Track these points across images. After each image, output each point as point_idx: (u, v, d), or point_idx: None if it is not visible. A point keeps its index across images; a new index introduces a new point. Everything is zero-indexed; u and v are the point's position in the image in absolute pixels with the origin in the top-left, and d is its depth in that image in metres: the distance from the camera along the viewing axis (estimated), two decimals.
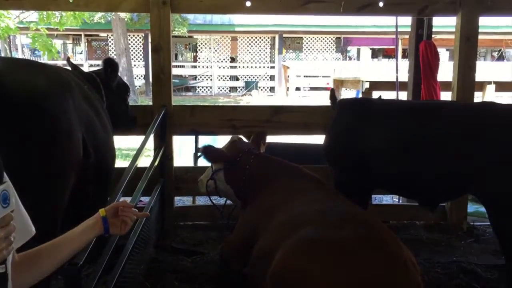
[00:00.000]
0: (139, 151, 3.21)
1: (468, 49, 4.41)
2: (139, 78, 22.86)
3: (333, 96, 4.06)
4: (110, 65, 3.63)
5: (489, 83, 9.13)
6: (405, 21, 5.42)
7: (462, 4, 4.36)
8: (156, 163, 3.88)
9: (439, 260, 3.83)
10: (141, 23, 19.40)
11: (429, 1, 4.41)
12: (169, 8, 4.24)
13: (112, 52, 21.72)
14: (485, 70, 11.97)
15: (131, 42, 23.39)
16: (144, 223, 3.33)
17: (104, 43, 26.00)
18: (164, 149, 4.17)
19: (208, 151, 3.46)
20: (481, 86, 9.08)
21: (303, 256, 2.23)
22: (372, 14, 4.73)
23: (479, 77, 4.77)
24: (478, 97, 8.84)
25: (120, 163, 7.10)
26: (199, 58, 25.61)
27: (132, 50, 23.20)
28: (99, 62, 3.91)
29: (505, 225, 3.12)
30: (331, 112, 4.03)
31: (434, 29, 5.16)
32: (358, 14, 4.63)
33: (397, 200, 5.55)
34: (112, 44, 22.08)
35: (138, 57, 23.95)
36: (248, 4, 4.27)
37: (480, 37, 4.50)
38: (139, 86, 22.32)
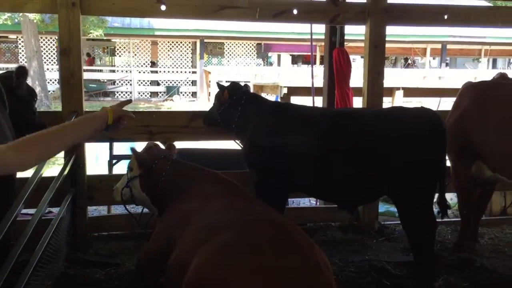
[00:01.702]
0: None
1: (376, 56, 4.64)
2: (53, 82, 21.71)
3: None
4: (22, 74, 3.47)
5: (398, 89, 9.65)
6: (321, 29, 5.60)
7: (371, 14, 4.57)
8: (66, 171, 3.69)
9: (352, 260, 3.97)
10: (54, 25, 18.44)
11: (340, 10, 4.59)
12: (78, 9, 4.05)
13: (23, 55, 20.49)
14: (394, 76, 12.64)
15: (43, 44, 22.18)
16: (52, 235, 3.14)
17: (13, 45, 24.46)
18: (75, 156, 3.97)
19: (138, 154, 3.36)
20: (391, 91, 9.59)
21: (218, 263, 2.21)
22: (287, 21, 4.85)
23: (388, 83, 5.02)
24: (388, 102, 9.34)
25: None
26: (114, 64, 24.80)
27: (44, 53, 22.01)
28: (9, 65, 3.71)
29: (412, 221, 3.35)
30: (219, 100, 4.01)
31: (350, 37, 5.37)
32: (274, 20, 4.70)
33: (314, 202, 5.69)
34: (22, 46, 20.84)
35: (52, 60, 22.75)
36: (163, 8, 4.19)
37: (390, 45, 4.74)
38: (53, 91, 21.19)
